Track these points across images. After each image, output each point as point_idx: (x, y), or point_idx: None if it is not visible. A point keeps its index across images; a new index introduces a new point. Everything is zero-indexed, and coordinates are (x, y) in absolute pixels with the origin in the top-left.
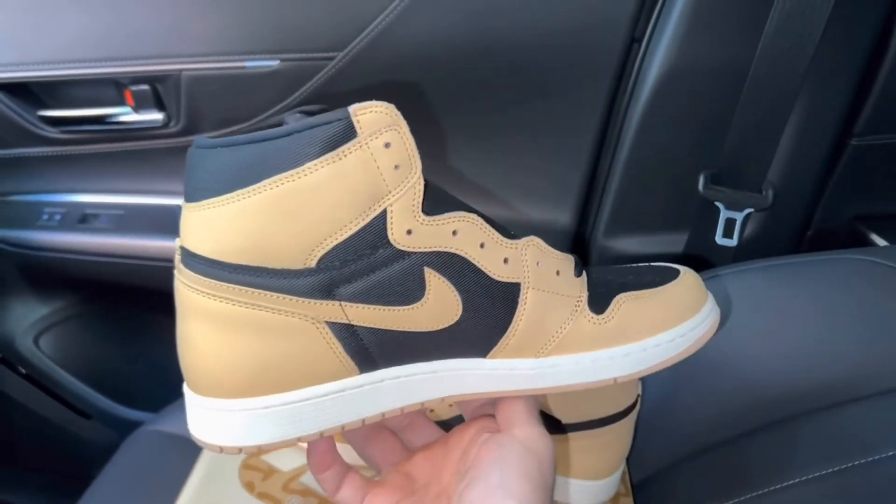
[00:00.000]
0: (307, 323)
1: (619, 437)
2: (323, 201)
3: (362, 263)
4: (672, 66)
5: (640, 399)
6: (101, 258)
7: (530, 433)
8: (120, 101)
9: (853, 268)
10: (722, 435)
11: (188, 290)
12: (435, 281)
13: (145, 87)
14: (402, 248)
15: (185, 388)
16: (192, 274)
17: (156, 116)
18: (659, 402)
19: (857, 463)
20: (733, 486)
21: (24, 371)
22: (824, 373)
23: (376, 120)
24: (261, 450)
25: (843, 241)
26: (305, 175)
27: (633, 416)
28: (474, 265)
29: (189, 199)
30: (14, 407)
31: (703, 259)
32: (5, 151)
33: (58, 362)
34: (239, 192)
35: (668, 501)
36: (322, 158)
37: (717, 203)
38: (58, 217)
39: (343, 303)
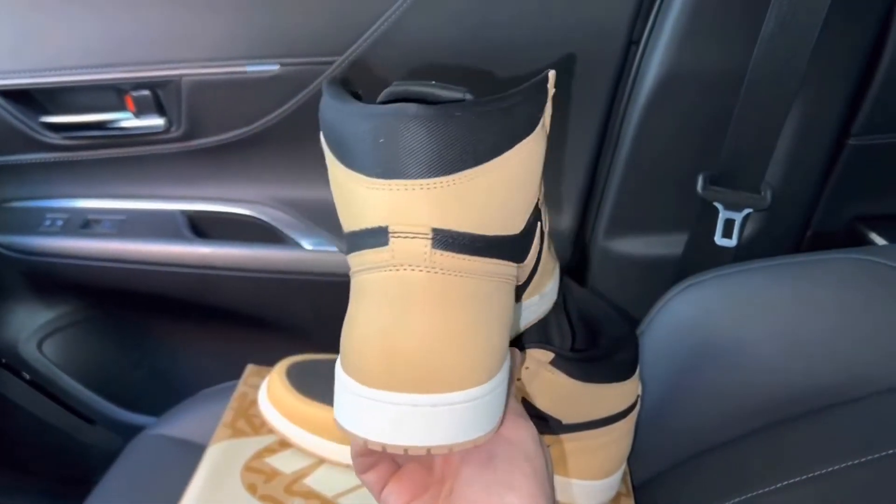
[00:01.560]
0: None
1: (620, 437)
2: (538, 167)
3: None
4: (670, 68)
5: (639, 400)
6: (104, 263)
7: (512, 426)
8: (121, 107)
9: (853, 267)
10: (722, 435)
11: (447, 277)
12: None
13: (146, 92)
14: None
15: (402, 395)
16: (456, 255)
17: (157, 122)
18: (659, 402)
19: (857, 461)
20: (734, 486)
21: (27, 377)
22: (824, 372)
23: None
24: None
25: (843, 240)
26: (531, 144)
27: (633, 416)
28: None
29: (421, 174)
30: (18, 412)
31: (703, 259)
32: (7, 158)
33: (61, 367)
34: (490, 163)
35: (669, 501)
36: (540, 125)
37: (715, 204)
38: (60, 223)
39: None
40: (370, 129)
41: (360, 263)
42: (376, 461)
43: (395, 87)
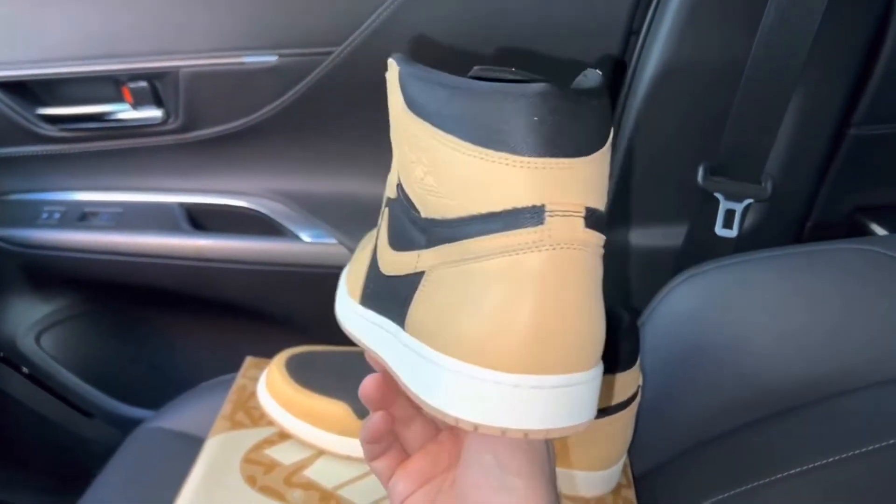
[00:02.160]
0: None
1: (620, 428)
2: None
3: None
4: (670, 58)
5: (640, 390)
6: (102, 256)
7: None
8: (118, 99)
9: (854, 257)
10: (722, 426)
11: (593, 255)
12: None
13: (144, 84)
14: None
15: (540, 377)
16: (599, 235)
17: (155, 113)
18: (658, 393)
19: (858, 452)
20: (734, 477)
21: (26, 371)
22: (824, 363)
23: None
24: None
25: (844, 231)
26: None
27: (633, 407)
28: None
29: (580, 152)
30: (16, 406)
31: (703, 250)
32: (4, 150)
33: (59, 361)
34: (609, 142)
35: (669, 492)
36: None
37: (716, 194)
38: (57, 215)
39: None
40: (523, 106)
41: (494, 248)
42: (386, 449)
43: (480, 72)
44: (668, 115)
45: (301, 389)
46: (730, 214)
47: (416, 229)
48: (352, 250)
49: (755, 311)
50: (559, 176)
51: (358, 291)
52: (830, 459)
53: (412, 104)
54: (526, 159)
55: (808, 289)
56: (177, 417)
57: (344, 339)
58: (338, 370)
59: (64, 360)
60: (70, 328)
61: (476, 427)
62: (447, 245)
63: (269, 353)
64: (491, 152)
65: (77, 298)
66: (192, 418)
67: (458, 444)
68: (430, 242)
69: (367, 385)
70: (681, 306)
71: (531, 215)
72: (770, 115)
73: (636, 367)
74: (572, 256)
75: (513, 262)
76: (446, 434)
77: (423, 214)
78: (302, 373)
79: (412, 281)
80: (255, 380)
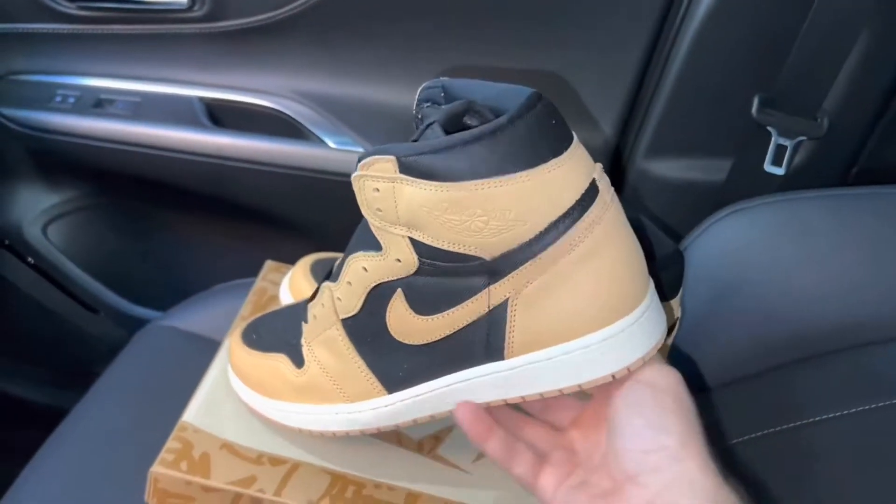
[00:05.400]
0: None
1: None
2: None
3: None
4: None
5: (679, 323)
6: (115, 145)
7: (653, 373)
8: None
9: None
10: (751, 367)
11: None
12: None
13: None
14: None
15: (633, 312)
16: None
17: None
18: (693, 328)
19: (886, 404)
20: (761, 420)
21: (31, 261)
22: (865, 310)
23: None
24: None
25: (890, 177)
26: None
27: (671, 337)
28: None
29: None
30: (19, 296)
31: (748, 187)
32: (18, 25)
33: (66, 254)
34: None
35: None
36: None
37: (769, 128)
38: (71, 100)
39: None
40: (534, 122)
41: (578, 237)
42: (508, 446)
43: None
44: (726, 41)
45: None
46: (781, 151)
47: (470, 278)
48: None
49: (801, 251)
50: (582, 155)
51: (372, 388)
52: (867, 407)
53: (448, 175)
54: (561, 158)
55: (853, 233)
56: (188, 318)
57: None
58: None
59: (71, 254)
60: (79, 220)
61: (614, 375)
62: (527, 265)
63: (286, 260)
64: (534, 169)
65: (88, 190)
66: (205, 319)
67: (588, 431)
68: (498, 276)
69: (467, 420)
70: (722, 241)
71: (590, 195)
72: (836, 48)
73: (678, 297)
74: (616, 210)
75: (592, 242)
76: (574, 427)
77: (489, 257)
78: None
79: (489, 320)
80: (276, 283)
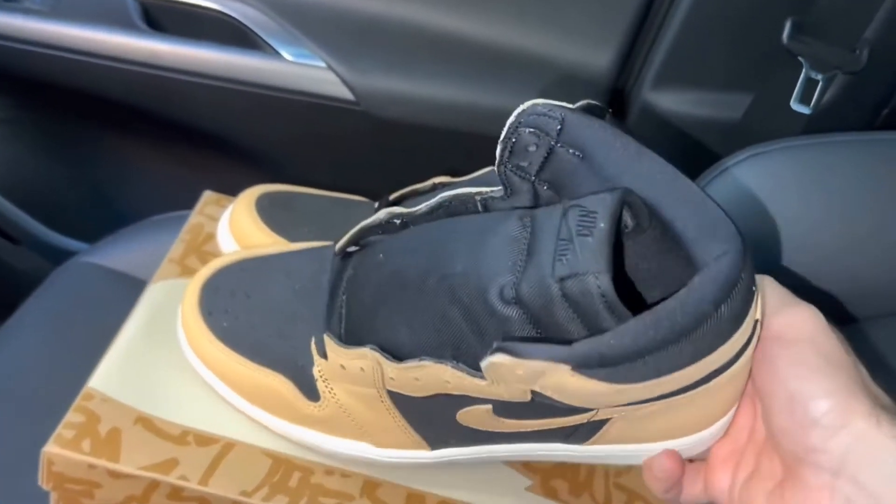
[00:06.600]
0: None
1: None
2: None
3: None
4: None
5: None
6: (32, 48)
7: (787, 321)
8: None
9: None
10: None
11: None
12: None
13: None
14: None
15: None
16: None
17: None
18: None
19: None
20: None
21: None
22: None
23: None
24: None
25: None
26: None
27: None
28: None
29: None
30: None
31: (769, 126)
32: None
33: None
34: None
35: None
36: None
37: (800, 58)
38: None
39: None
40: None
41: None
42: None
43: None
44: None
45: (273, 236)
46: (810, 86)
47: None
48: (342, 77)
49: (825, 204)
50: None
51: (412, 443)
52: None
53: (629, 378)
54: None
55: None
56: (115, 254)
57: (325, 183)
58: (320, 217)
59: None
60: None
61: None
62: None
63: (232, 191)
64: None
65: (5, 102)
66: (133, 257)
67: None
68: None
69: (668, 468)
70: (737, 188)
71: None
72: None
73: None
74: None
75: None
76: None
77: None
78: (275, 216)
79: (587, 427)
80: (214, 219)
